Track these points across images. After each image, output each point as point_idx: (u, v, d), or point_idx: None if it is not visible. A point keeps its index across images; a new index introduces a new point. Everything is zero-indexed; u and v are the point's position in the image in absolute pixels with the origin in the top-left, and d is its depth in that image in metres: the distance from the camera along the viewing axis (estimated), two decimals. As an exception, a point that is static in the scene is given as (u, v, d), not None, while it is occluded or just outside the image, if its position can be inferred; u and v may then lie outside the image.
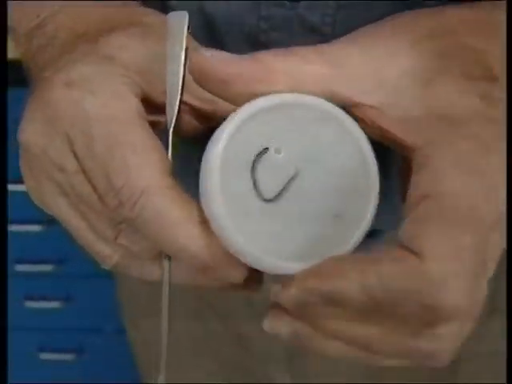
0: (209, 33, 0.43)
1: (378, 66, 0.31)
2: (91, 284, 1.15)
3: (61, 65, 0.34)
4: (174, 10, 0.42)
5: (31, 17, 0.38)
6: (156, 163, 0.32)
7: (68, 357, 1.21)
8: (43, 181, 0.34)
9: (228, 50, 0.43)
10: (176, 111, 0.34)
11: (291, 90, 0.31)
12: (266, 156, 0.31)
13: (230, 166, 0.31)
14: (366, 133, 0.32)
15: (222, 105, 0.33)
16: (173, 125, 0.34)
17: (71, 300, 1.18)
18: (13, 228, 1.07)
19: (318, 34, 0.40)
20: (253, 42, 0.41)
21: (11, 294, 0.94)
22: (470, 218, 0.29)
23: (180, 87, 0.34)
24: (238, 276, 0.32)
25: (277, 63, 0.31)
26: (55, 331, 1.21)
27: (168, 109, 0.34)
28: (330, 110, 0.32)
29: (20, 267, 1.15)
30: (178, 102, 0.34)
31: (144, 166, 0.32)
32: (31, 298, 1.18)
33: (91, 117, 0.32)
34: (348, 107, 0.32)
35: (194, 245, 0.31)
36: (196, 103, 0.35)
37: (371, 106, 0.31)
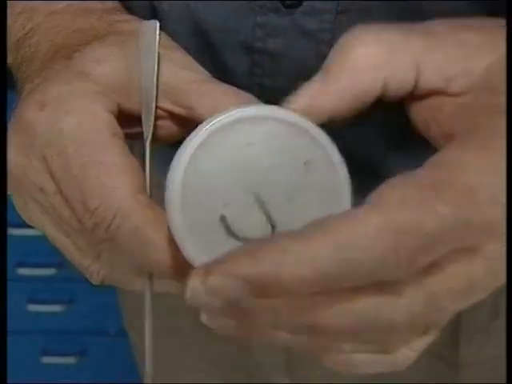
0: (202, 40, 0.42)
1: (470, 51, 0.31)
2: (93, 287, 1.14)
3: (37, 82, 0.34)
4: (164, 15, 0.42)
5: (19, 27, 0.38)
6: (129, 182, 0.32)
7: (70, 360, 1.21)
8: (27, 200, 0.34)
9: (222, 58, 0.42)
10: (152, 122, 0.34)
11: (383, 66, 0.30)
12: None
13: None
14: (416, 124, 0.31)
15: (198, 111, 0.33)
16: (150, 136, 0.34)
17: (73, 303, 1.19)
18: (15, 232, 1.07)
19: (315, 41, 0.40)
20: (248, 49, 0.41)
21: (13, 298, 0.95)
22: (463, 195, 0.26)
23: (154, 97, 0.34)
24: None
25: (365, 42, 0.30)
26: (57, 334, 1.21)
27: (144, 120, 0.34)
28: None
29: (22, 271, 1.15)
30: (153, 113, 0.34)
31: (117, 186, 0.32)
32: (33, 302, 1.18)
33: (65, 138, 0.32)
34: (418, 92, 0.31)
35: (168, 262, 0.32)
36: (172, 108, 0.34)
37: (451, 94, 0.30)
